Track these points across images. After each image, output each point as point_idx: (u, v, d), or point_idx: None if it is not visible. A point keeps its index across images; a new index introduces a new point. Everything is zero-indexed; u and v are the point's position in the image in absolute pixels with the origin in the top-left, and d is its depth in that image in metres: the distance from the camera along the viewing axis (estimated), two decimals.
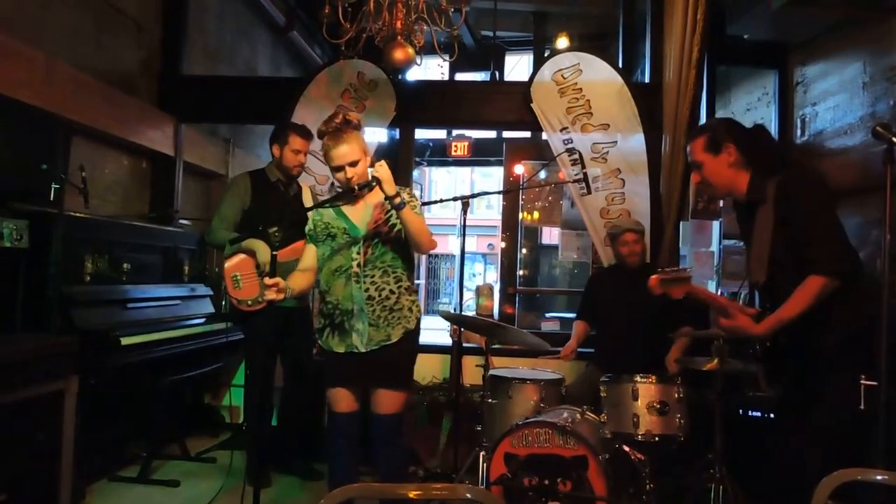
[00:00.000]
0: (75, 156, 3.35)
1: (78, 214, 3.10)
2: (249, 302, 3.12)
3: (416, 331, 2.56)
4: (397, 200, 2.29)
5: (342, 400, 2.53)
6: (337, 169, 2.40)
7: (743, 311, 2.14)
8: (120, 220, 3.65)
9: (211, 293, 4.02)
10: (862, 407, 1.73)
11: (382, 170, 2.26)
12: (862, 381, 1.75)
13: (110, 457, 3.37)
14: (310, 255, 2.53)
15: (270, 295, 2.24)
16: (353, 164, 2.39)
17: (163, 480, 3.28)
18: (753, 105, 4.74)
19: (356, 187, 2.37)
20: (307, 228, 2.54)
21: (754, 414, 3.23)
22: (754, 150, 2.17)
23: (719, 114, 4.51)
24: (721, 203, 4.14)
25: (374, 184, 2.27)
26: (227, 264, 3.16)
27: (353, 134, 2.42)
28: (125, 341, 2.98)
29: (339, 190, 2.52)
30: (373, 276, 2.44)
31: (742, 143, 2.18)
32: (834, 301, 1.96)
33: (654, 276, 2.17)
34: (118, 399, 3.32)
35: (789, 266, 2.03)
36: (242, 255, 3.15)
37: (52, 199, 2.80)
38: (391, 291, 2.46)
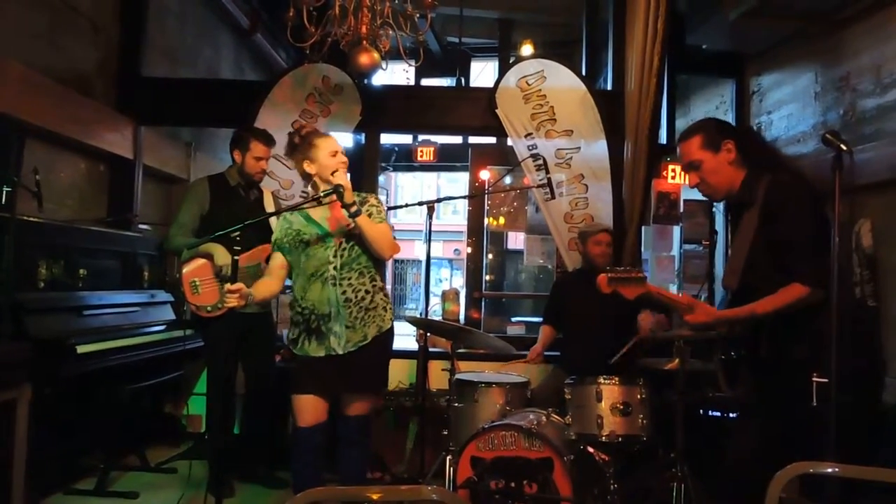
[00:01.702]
0: (29, 158, 3.24)
1: (31, 219, 3.00)
2: (209, 308, 3.06)
3: (390, 332, 2.57)
4: (353, 209, 2.37)
5: (309, 411, 2.48)
6: (334, 154, 2.46)
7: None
8: (76, 224, 3.55)
9: (171, 299, 3.93)
10: (814, 403, 1.78)
11: (344, 179, 2.39)
12: (813, 379, 1.79)
13: (65, 469, 3.26)
14: (276, 263, 2.52)
15: (232, 301, 2.25)
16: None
17: (121, 492, 3.19)
18: (712, 113, 4.86)
19: (321, 195, 2.42)
20: (274, 237, 2.55)
21: (714, 413, 3.30)
22: (751, 147, 2.12)
23: (679, 122, 4.62)
24: (681, 209, 4.24)
25: (340, 191, 2.36)
26: (185, 269, 3.10)
27: None
28: (81, 349, 2.89)
29: (305, 195, 2.56)
30: (350, 279, 2.47)
31: (740, 139, 2.12)
32: (810, 311, 1.91)
33: (602, 275, 2.08)
34: (74, 409, 3.21)
35: (765, 272, 1.98)
36: (201, 260, 3.09)
37: (3, 202, 2.71)
38: (367, 292, 2.50)
